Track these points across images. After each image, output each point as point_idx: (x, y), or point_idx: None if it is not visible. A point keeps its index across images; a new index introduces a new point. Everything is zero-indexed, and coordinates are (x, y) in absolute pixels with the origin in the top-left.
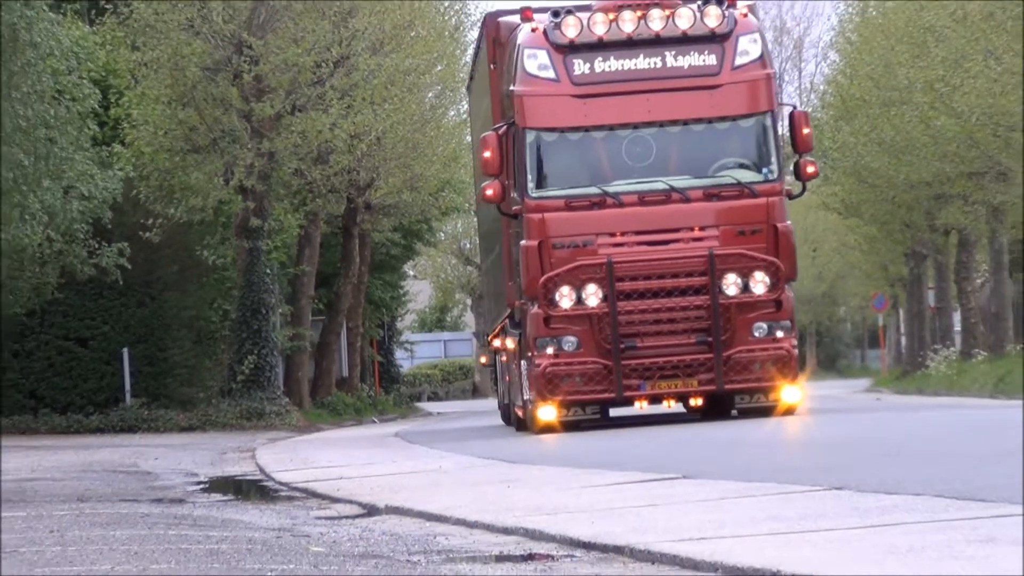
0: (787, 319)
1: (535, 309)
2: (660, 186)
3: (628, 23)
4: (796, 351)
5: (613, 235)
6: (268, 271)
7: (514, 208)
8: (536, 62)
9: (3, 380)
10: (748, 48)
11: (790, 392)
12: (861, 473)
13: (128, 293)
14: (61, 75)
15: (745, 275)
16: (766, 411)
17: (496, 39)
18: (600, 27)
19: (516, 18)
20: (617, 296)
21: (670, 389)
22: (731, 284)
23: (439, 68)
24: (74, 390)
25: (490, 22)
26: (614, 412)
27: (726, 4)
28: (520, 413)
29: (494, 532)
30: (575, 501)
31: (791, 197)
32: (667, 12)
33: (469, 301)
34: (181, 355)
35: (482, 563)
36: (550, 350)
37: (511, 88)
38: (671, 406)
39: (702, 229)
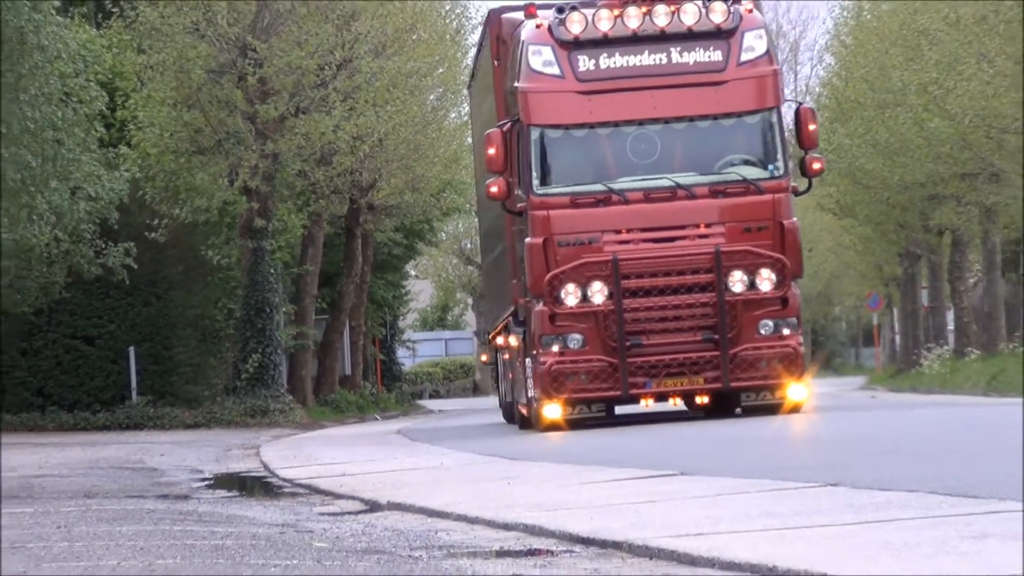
0: (793, 316)
1: (540, 307)
2: (665, 183)
3: (633, 19)
4: (802, 348)
5: (618, 232)
6: (272, 271)
7: (519, 205)
8: (541, 58)
9: (10, 378)
10: (754, 44)
11: (796, 390)
12: (856, 470)
13: (134, 292)
14: (68, 78)
15: (751, 272)
16: (772, 409)
17: (500, 36)
18: (605, 23)
19: (520, 14)
20: (623, 293)
21: (676, 387)
22: (737, 281)
23: (440, 71)
24: (81, 388)
25: (494, 18)
26: (619, 410)
27: (731, 0)
28: (524, 411)
29: (495, 528)
30: (574, 497)
31: (797, 194)
32: (672, 8)
33: (470, 300)
34: (186, 353)
35: (483, 558)
36: (555, 348)
37: (515, 84)
38: (677, 404)
39: (708, 226)
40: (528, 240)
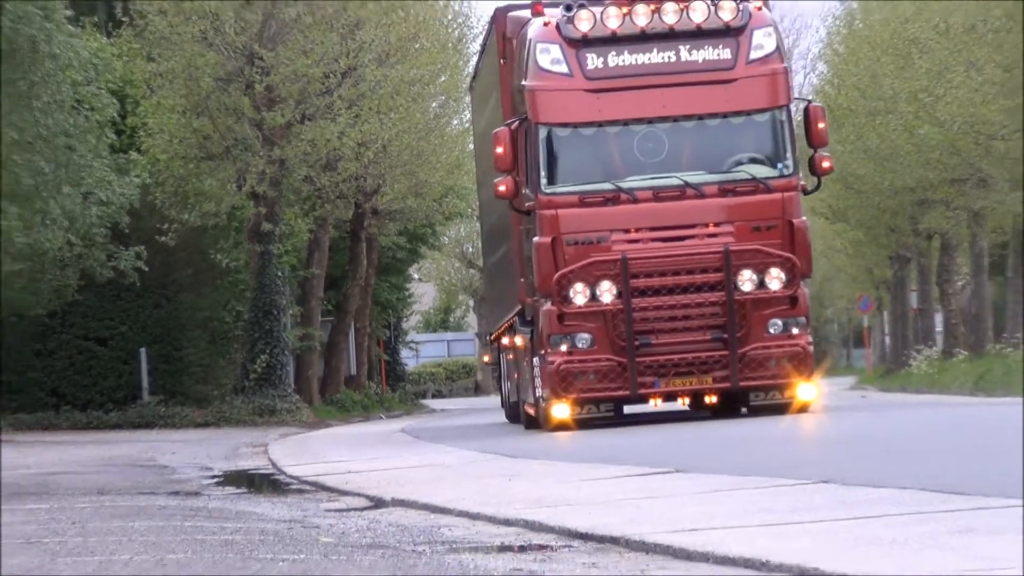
0: (803, 315)
1: (548, 306)
2: (674, 182)
3: (642, 17)
4: (811, 348)
5: (627, 231)
6: (279, 274)
7: (527, 204)
8: (549, 56)
9: (25, 378)
10: (763, 42)
11: (805, 389)
12: (848, 468)
13: (145, 295)
14: (80, 86)
15: (760, 271)
16: (781, 408)
17: (505, 34)
18: (613, 21)
19: (527, 13)
20: (632, 293)
21: (685, 386)
22: (746, 280)
23: (443, 79)
24: (94, 388)
25: (499, 17)
26: (628, 409)
27: None
28: (531, 411)
29: (496, 524)
30: (573, 494)
31: (806, 192)
32: (681, 6)
33: (472, 302)
34: (196, 354)
35: (484, 553)
36: (564, 347)
37: (523, 83)
38: (686, 404)
39: (717, 225)
40: (536, 239)
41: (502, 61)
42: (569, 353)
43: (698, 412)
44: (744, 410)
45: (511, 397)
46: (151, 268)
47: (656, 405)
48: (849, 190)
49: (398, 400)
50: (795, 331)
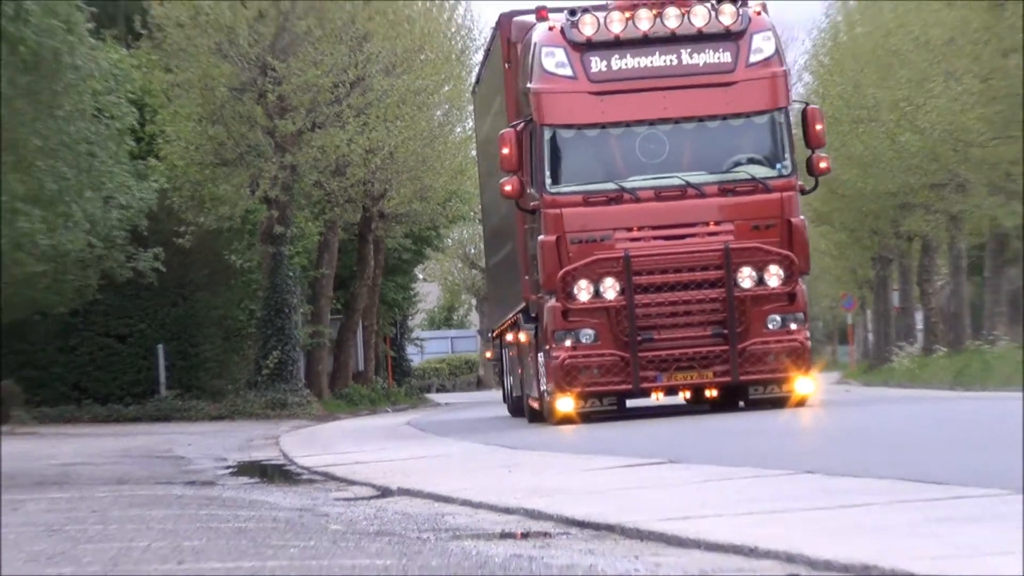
0: (800, 311)
1: (553, 302)
2: (676, 182)
3: (644, 21)
4: (809, 343)
5: (630, 230)
6: (290, 274)
7: (532, 204)
8: (554, 60)
9: (48, 373)
10: (762, 46)
11: (803, 383)
12: (832, 458)
13: (163, 294)
14: (101, 95)
15: (760, 269)
16: (780, 402)
17: (510, 39)
18: (617, 25)
19: (531, 17)
20: (634, 289)
21: (686, 380)
22: (746, 277)
23: (446, 89)
24: (114, 382)
25: (504, 22)
26: (630, 403)
27: (740, 2)
28: (536, 405)
29: (497, 512)
30: (571, 484)
31: (804, 192)
32: (683, 10)
33: (474, 301)
34: (211, 350)
35: (486, 540)
36: (568, 342)
37: (528, 85)
38: (687, 398)
39: (717, 224)
40: (541, 238)
41: (507, 65)
42: (573, 348)
43: (698, 406)
44: (742, 404)
45: (514, 392)
46: (168, 269)
47: (658, 399)
48: (834, 194)
49: (404, 394)
50: (793, 326)
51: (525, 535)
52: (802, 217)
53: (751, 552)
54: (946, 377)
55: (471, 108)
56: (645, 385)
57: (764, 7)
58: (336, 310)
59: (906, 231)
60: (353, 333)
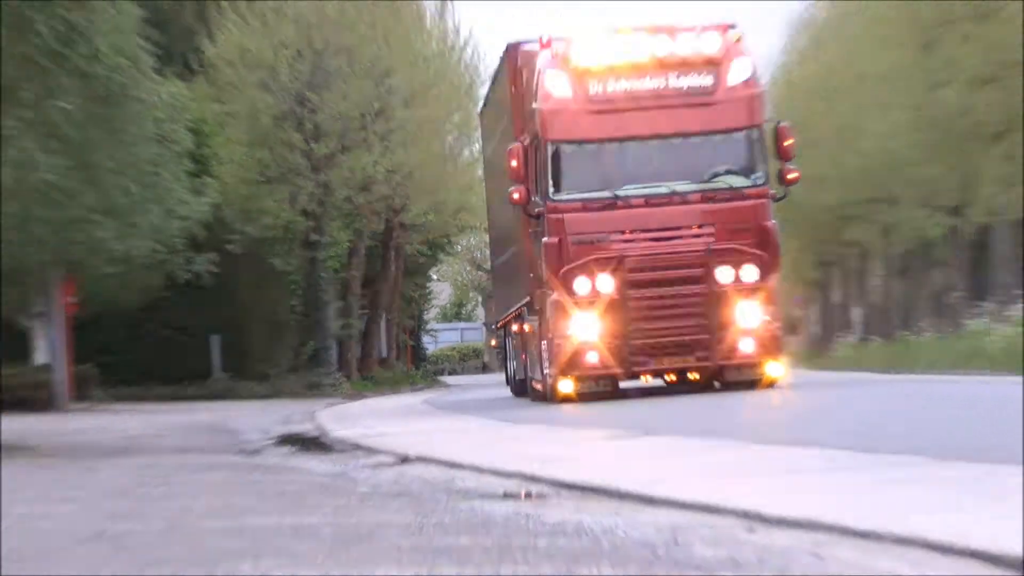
0: (772, 305)
1: (555, 296)
2: (664, 190)
3: (636, 49)
4: (780, 332)
5: (623, 232)
6: (324, 275)
7: (536, 210)
8: (556, 83)
9: (120, 359)
10: (740, 71)
11: (774, 367)
12: (791, 431)
13: (216, 292)
14: (162, 123)
15: (737, 267)
16: (753, 384)
17: (517, 65)
18: (612, 53)
19: (536, 46)
20: (627, 285)
21: (672, 365)
22: (725, 274)
23: (457, 118)
24: (175, 367)
25: (512, 50)
26: (623, 384)
27: (721, 32)
28: (539, 387)
29: (500, 476)
30: (563, 452)
31: (776, 200)
32: (670, 39)
33: (480, 298)
34: (258, 340)
35: (490, 500)
36: (569, 332)
37: (534, 106)
38: (672, 380)
39: (700, 227)
40: (545, 239)
41: (513, 88)
42: (573, 337)
43: (683, 386)
44: (717, 384)
45: (517, 375)
46: (221, 271)
47: (647, 381)
48: (785, 208)
49: (420, 377)
50: (766, 317)
51: (523, 496)
52: (774, 221)
53: (714, 510)
54: (880, 362)
55: (478, 133)
56: (636, 369)
57: (741, 37)
58: (363, 306)
59: (846, 239)
60: (378, 325)
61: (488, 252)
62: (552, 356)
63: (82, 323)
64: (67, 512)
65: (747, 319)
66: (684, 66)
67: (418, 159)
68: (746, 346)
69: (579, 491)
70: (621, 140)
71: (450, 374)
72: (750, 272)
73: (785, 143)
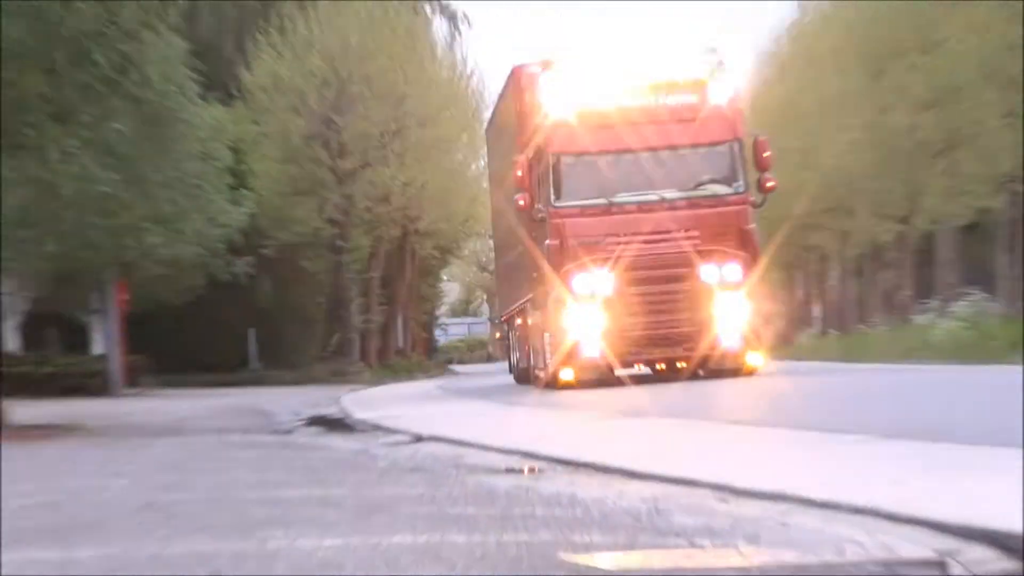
0: (753, 301)
1: (557, 294)
2: (654, 197)
3: (629, 70)
4: (759, 325)
5: (618, 236)
6: (348, 276)
7: (539, 215)
8: (557, 101)
9: (168, 349)
10: (722, 90)
11: (754, 357)
12: (757, 412)
13: (253, 291)
14: (205, 142)
15: (720, 266)
16: (735, 372)
17: (521, 85)
18: (607, 73)
19: (539, 69)
20: (622, 283)
21: (662, 355)
22: (710, 273)
23: (464, 138)
24: (216, 357)
25: (517, 72)
26: (618, 372)
27: (705, 56)
28: (542, 375)
29: (503, 453)
30: (559, 432)
31: (755, 206)
32: (660, 61)
33: (485, 296)
34: (289, 333)
35: (494, 474)
36: (570, 325)
37: (537, 122)
38: (662, 368)
39: (687, 231)
40: (547, 242)
41: (518, 106)
42: (574, 330)
43: (671, 374)
44: (701, 372)
45: (520, 364)
46: (257, 272)
47: (639, 369)
48: (756, 218)
49: (433, 366)
50: (746, 312)
51: (523, 470)
52: (753, 225)
53: (692, 483)
54: (837, 353)
55: (484, 150)
56: (630, 358)
57: (723, 60)
58: (382, 302)
59: (808, 244)
60: (395, 320)
61: (492, 255)
62: (554, 347)
63: (134, 318)
64: (121, 485)
65: (730, 314)
66: (672, 86)
67: (430, 174)
68: (728, 338)
69: (572, 466)
70: (616, 153)
71: (459, 363)
72: (732, 271)
73: (763, 155)
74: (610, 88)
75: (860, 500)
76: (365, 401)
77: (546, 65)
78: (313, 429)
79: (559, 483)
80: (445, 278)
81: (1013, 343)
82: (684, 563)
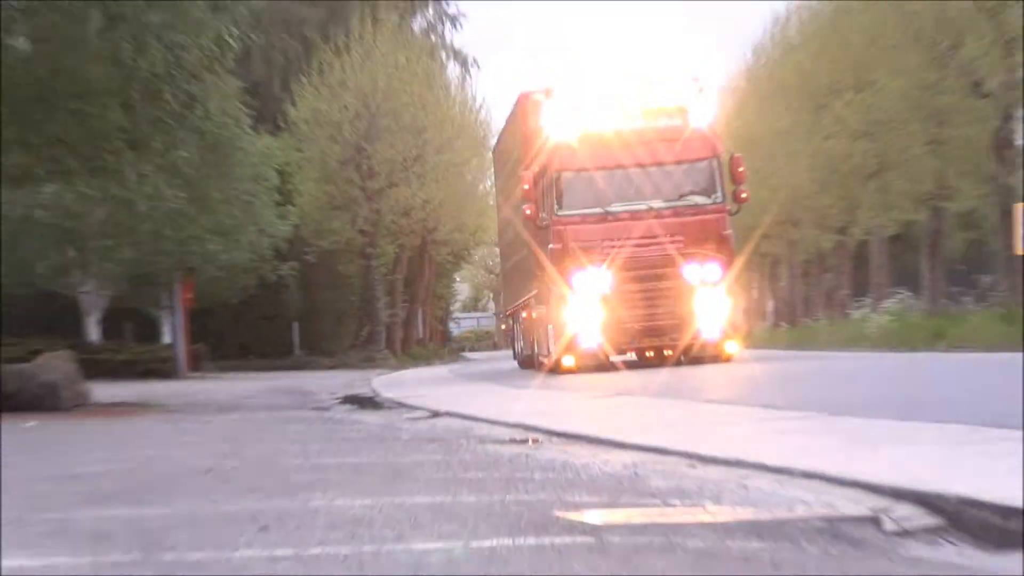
0: (729, 297)
1: (559, 291)
2: (644, 207)
3: (621, 96)
4: (735, 318)
5: (613, 240)
6: (376, 278)
7: (544, 223)
8: (559, 123)
9: (226, 340)
10: (703, 112)
11: (731, 345)
12: (724, 392)
13: (296, 291)
14: (256, 166)
15: (701, 266)
16: (715, 359)
17: (526, 110)
18: (602, 100)
19: (542, 96)
20: (617, 282)
21: (651, 344)
22: (692, 273)
23: (474, 162)
24: (266, 345)
25: (522, 99)
26: (613, 359)
27: (688, 82)
28: (545, 361)
29: (507, 427)
30: (556, 409)
31: (731, 214)
32: (648, 88)
33: (491, 295)
34: (327, 326)
35: (499, 444)
36: (570, 319)
37: (541, 142)
38: (650, 356)
39: (672, 236)
40: (551, 246)
41: (524, 128)
42: (574, 323)
43: (658, 361)
44: (682, 359)
45: (524, 351)
46: (300, 275)
47: (632, 357)
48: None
49: (447, 353)
50: (725, 307)
51: (524, 441)
52: (730, 231)
53: (665, 451)
54: (787, 343)
55: (491, 171)
56: (624, 347)
57: (703, 87)
58: (405, 300)
59: (762, 251)
60: (416, 314)
61: (498, 260)
62: (556, 337)
63: (197, 313)
64: (185, 454)
65: (709, 308)
66: (659, 111)
67: (446, 192)
68: (709, 329)
69: (565, 437)
70: (610, 169)
71: (469, 351)
72: (712, 271)
73: (738, 170)
74: (605, 113)
75: (808, 466)
76: (391, 383)
77: (548, 93)
78: (347, 406)
79: (554, 452)
80: (458, 279)
81: (933, 334)
82: (659, 519)
